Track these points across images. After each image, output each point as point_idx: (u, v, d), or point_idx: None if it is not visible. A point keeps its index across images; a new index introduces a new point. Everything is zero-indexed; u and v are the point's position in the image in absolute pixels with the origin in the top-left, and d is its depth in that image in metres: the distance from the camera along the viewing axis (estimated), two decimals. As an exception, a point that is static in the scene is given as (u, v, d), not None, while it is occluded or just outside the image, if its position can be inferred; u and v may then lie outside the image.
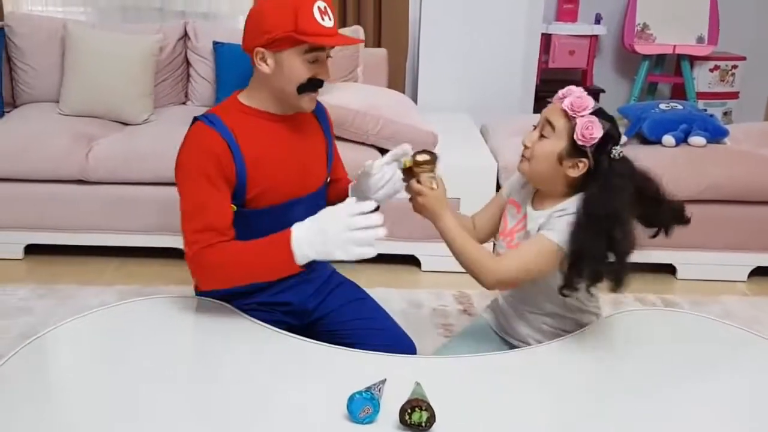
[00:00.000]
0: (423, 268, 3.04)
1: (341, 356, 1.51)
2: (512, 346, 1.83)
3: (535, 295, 1.74)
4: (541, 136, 1.62)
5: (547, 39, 4.32)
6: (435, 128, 2.98)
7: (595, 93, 4.37)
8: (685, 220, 1.69)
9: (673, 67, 4.60)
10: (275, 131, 1.66)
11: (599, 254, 1.53)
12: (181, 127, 1.69)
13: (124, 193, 2.93)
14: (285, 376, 1.43)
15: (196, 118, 1.62)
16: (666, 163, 2.91)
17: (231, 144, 1.57)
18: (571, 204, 1.60)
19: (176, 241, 2.86)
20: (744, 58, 4.43)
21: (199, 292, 1.78)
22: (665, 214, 1.68)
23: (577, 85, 1.63)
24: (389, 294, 2.74)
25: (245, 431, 1.26)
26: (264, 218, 1.62)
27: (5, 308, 2.58)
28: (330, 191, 1.86)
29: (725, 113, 4.48)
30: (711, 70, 4.41)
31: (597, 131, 1.54)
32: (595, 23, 4.39)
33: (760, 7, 4.55)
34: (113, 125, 3.20)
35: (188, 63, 3.53)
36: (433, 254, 2.91)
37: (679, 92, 4.52)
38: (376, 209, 1.49)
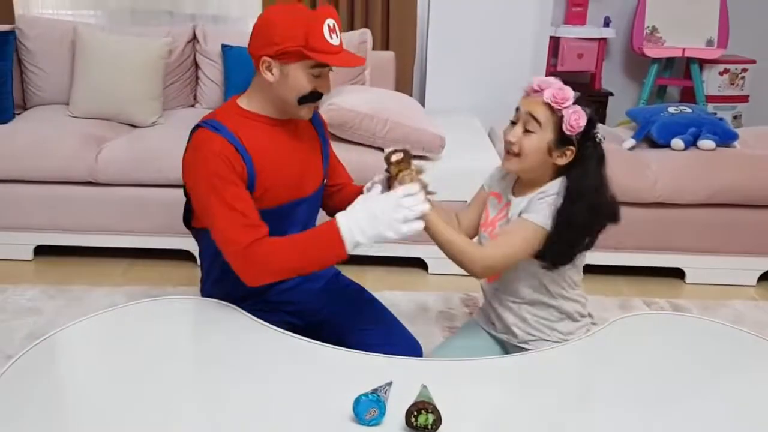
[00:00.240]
0: (430, 270, 3.03)
1: (347, 358, 1.51)
2: (500, 341, 1.87)
3: (514, 282, 1.78)
4: (526, 131, 1.64)
5: (555, 42, 4.31)
6: (442, 131, 2.98)
7: (603, 96, 4.36)
8: (617, 219, 1.75)
9: (682, 70, 4.58)
10: (275, 134, 1.69)
11: (588, 223, 1.64)
12: (190, 130, 1.70)
13: (133, 195, 2.94)
14: (291, 377, 1.43)
15: (197, 125, 1.64)
16: (675, 167, 2.90)
17: (238, 147, 1.59)
18: (551, 187, 1.67)
19: (184, 243, 2.89)
20: (754, 62, 4.41)
21: (207, 294, 1.79)
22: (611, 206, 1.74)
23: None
24: (396, 296, 2.74)
25: (252, 433, 1.26)
26: (267, 219, 1.63)
27: (14, 309, 2.59)
28: (336, 197, 1.88)
29: (735, 117, 4.46)
30: (721, 74, 4.39)
31: (583, 120, 1.62)
32: (604, 26, 4.38)
33: (771, 10, 4.53)
34: (122, 127, 3.21)
35: (197, 66, 3.55)
36: (439, 257, 2.84)
37: (688, 95, 4.50)
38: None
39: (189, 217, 1.80)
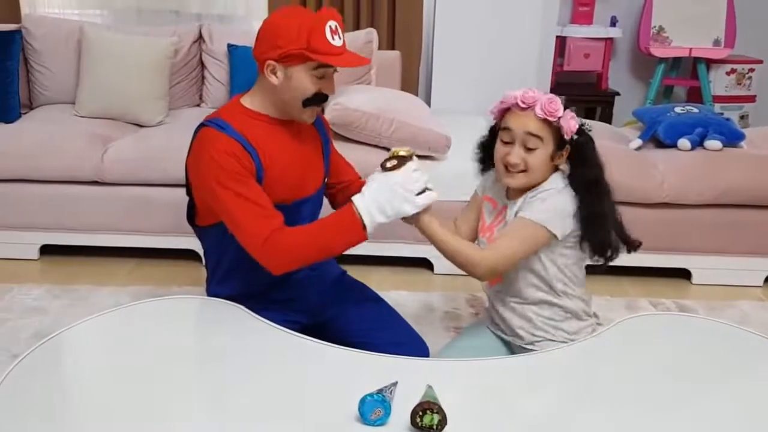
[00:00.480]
0: (435, 271, 3.03)
1: (353, 358, 1.51)
2: (506, 342, 1.87)
3: (517, 282, 1.78)
4: (527, 149, 1.66)
5: (562, 42, 4.30)
6: (448, 131, 2.97)
7: (610, 96, 4.35)
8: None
9: (689, 70, 4.56)
10: (278, 133, 1.69)
11: (607, 211, 1.70)
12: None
13: (139, 195, 2.94)
14: (296, 377, 1.43)
15: (202, 124, 1.64)
16: (681, 167, 2.89)
17: (244, 144, 1.60)
18: (545, 183, 1.70)
19: (190, 243, 2.89)
20: (761, 62, 4.39)
21: (212, 294, 1.79)
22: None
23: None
24: (401, 297, 2.73)
25: (257, 432, 1.26)
26: None
27: (20, 308, 2.60)
28: (345, 194, 1.88)
29: (742, 117, 4.44)
30: (727, 74, 4.37)
31: (576, 121, 1.67)
32: (611, 26, 4.37)
33: (778, 10, 4.51)
34: (128, 127, 3.22)
35: (203, 65, 3.55)
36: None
37: (695, 95, 4.48)
38: None
39: (192, 214, 1.81)
